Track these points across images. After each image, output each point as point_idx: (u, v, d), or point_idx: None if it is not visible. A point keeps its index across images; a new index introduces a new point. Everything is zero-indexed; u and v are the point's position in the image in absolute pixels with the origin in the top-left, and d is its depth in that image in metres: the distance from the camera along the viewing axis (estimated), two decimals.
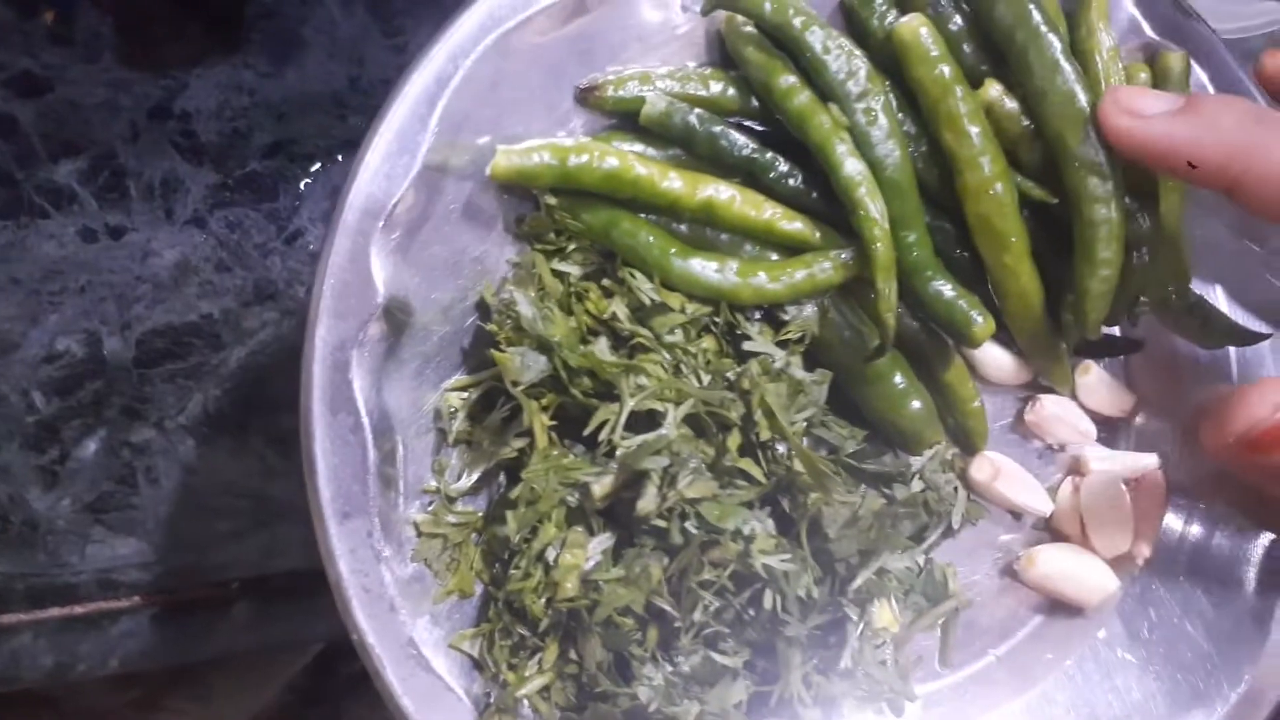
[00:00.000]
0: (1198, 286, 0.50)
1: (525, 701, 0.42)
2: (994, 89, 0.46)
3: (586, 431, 0.41)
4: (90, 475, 0.61)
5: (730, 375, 0.44)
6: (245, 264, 0.64)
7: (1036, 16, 0.45)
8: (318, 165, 0.65)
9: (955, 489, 0.49)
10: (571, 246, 0.46)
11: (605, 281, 0.45)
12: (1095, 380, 0.50)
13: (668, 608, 0.42)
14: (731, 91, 0.47)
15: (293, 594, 0.63)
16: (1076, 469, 0.51)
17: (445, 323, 0.45)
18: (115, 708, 0.73)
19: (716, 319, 0.46)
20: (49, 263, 0.62)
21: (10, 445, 0.61)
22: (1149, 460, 0.51)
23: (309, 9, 0.66)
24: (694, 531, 0.41)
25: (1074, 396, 0.51)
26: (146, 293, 0.63)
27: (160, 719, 0.75)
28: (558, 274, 0.45)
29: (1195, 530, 0.50)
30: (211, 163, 0.64)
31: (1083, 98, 0.44)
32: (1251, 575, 0.48)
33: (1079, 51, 0.48)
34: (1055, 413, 0.50)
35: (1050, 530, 0.51)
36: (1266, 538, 0.48)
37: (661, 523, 0.41)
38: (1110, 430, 0.52)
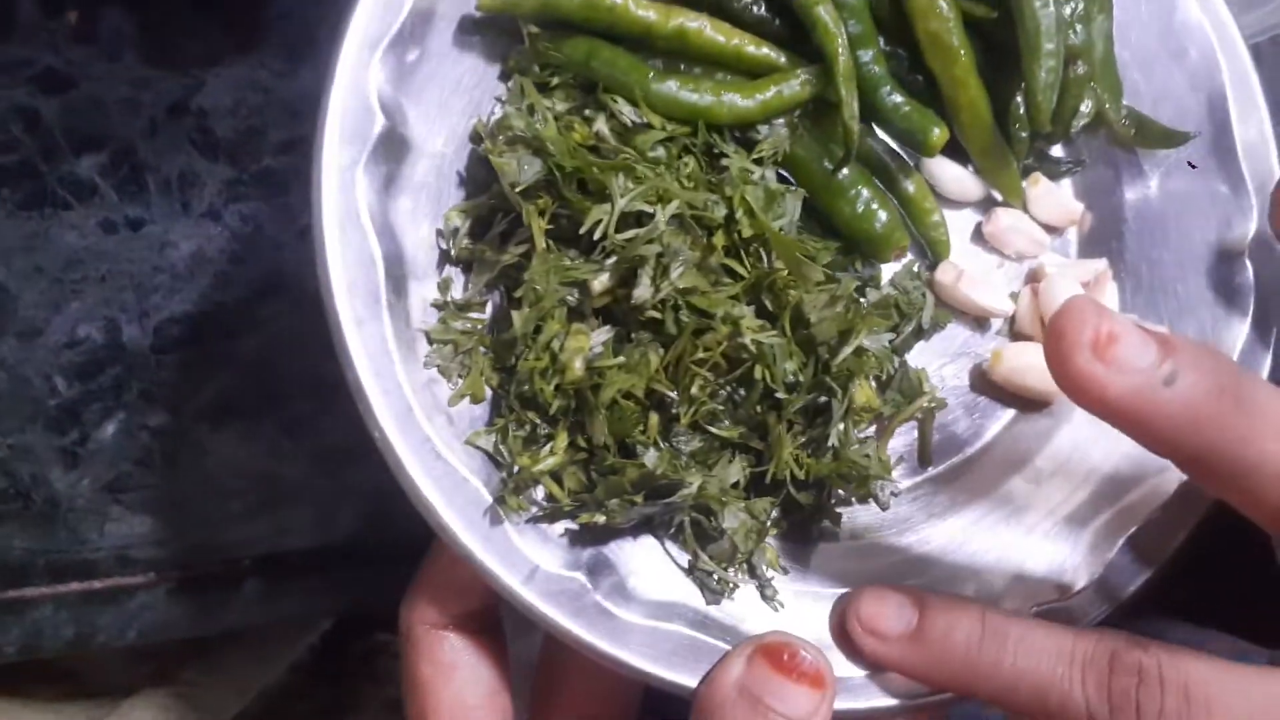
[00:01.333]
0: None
1: (540, 489, 0.45)
2: None
3: (582, 230, 0.44)
4: (109, 456, 0.63)
5: (712, 183, 0.47)
6: (258, 256, 0.65)
7: None
8: None
9: (924, 294, 0.52)
10: (555, 81, 0.49)
11: (588, 112, 0.49)
12: (1043, 191, 0.54)
13: (667, 391, 0.45)
14: None
15: (301, 571, 0.65)
16: (1034, 276, 0.55)
17: (443, 151, 0.48)
18: (132, 681, 0.75)
19: (695, 140, 0.49)
20: (71, 253, 0.64)
21: (33, 427, 0.63)
22: (1099, 265, 0.55)
23: (324, 10, 0.66)
24: (686, 319, 0.44)
25: (1025, 208, 0.55)
26: (164, 283, 0.65)
27: (175, 691, 0.76)
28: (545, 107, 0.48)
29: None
30: (227, 158, 0.66)
31: None
32: None
33: None
34: (1010, 224, 0.54)
35: (1014, 335, 0.55)
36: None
37: (656, 314, 0.45)
38: (1061, 241, 0.56)
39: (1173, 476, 0.50)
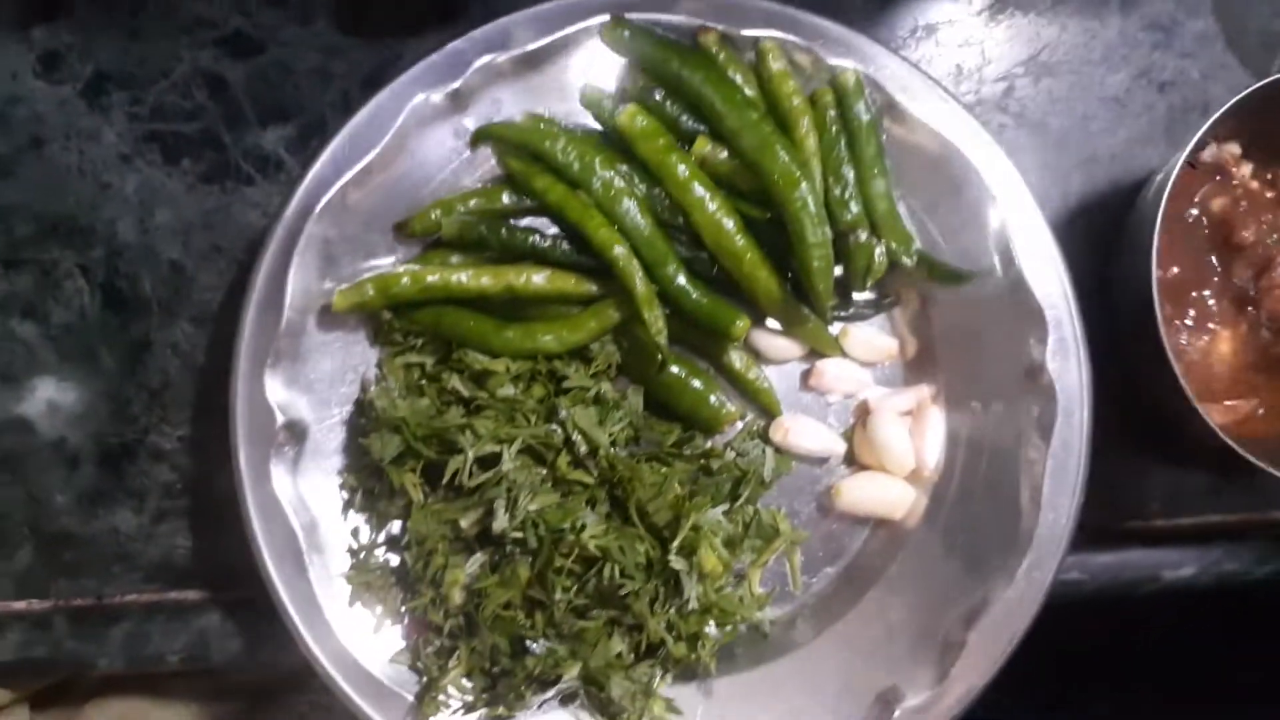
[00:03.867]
0: None
1: (450, 688, 0.56)
2: (705, 146, 0.60)
3: (444, 481, 0.55)
4: None
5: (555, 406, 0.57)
6: None
7: (714, 76, 0.58)
8: None
9: (763, 451, 0.61)
10: (419, 342, 0.60)
11: (449, 363, 0.59)
12: (856, 340, 0.63)
13: (540, 596, 0.55)
14: (511, 198, 0.61)
15: None
16: (863, 411, 0.63)
17: (336, 423, 0.59)
18: (267, 682, 0.74)
19: (540, 368, 0.59)
20: (253, 232, 0.61)
21: (205, 420, 0.61)
22: (922, 391, 0.63)
23: None
24: (542, 534, 0.55)
25: (843, 356, 0.63)
26: None
27: (309, 699, 0.75)
28: (410, 365, 0.59)
29: (969, 435, 0.62)
30: None
31: (766, 127, 0.57)
32: (1019, 477, 0.59)
33: (769, 91, 0.61)
34: (834, 372, 0.63)
35: (854, 464, 0.63)
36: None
37: (518, 534, 0.55)
38: (890, 369, 0.64)
39: (1000, 578, 0.58)
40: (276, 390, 0.57)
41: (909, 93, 0.61)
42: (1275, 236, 0.62)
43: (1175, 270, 0.62)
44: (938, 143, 0.62)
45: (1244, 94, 0.57)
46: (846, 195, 0.60)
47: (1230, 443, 0.56)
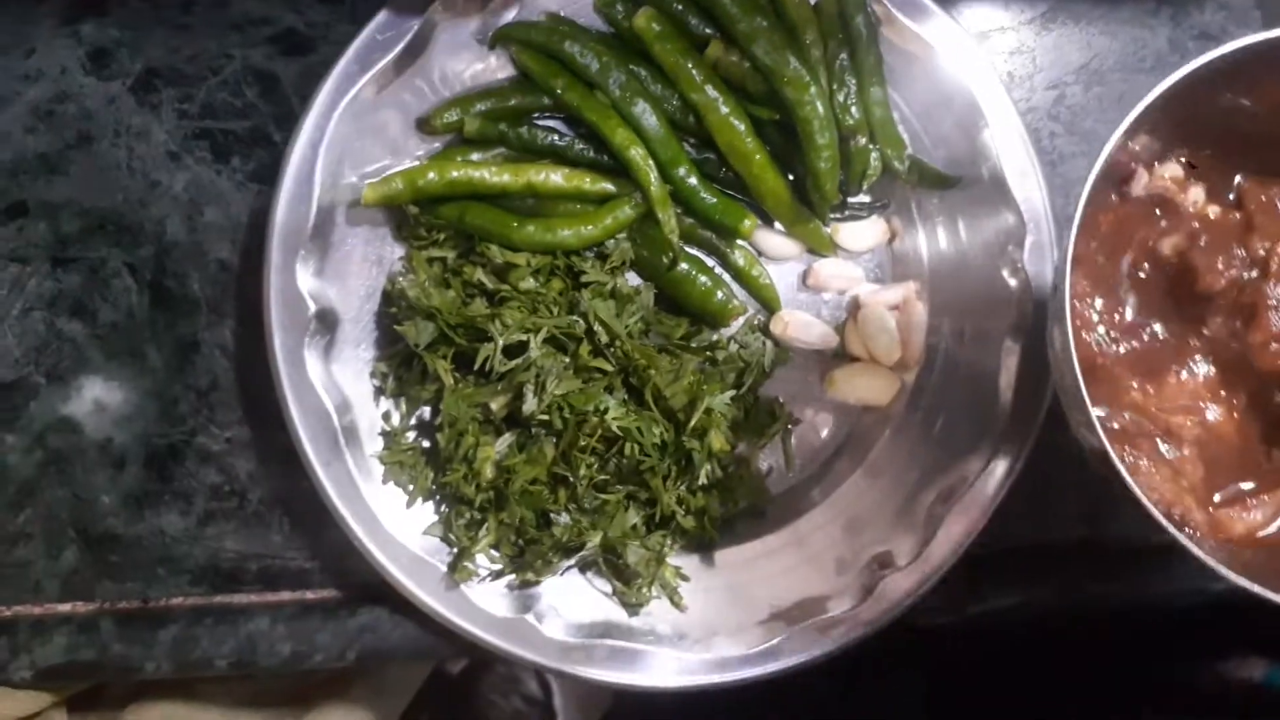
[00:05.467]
0: None
1: (481, 558, 0.60)
2: (717, 50, 0.62)
3: (475, 367, 0.58)
4: None
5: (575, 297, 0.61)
6: None
7: None
8: None
9: (764, 344, 0.66)
10: (442, 237, 0.62)
11: (473, 257, 0.62)
12: (848, 232, 0.67)
13: (564, 472, 0.59)
14: (529, 98, 0.63)
15: None
16: (855, 306, 0.68)
17: (364, 314, 0.62)
18: (306, 689, 0.75)
19: (559, 263, 0.63)
20: None
21: (255, 420, 0.61)
22: (909, 287, 0.68)
23: None
24: (567, 416, 0.59)
25: (836, 254, 0.67)
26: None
27: (346, 708, 0.76)
28: (433, 259, 0.62)
29: (951, 327, 0.67)
30: None
31: (777, 33, 0.60)
32: (997, 367, 0.64)
33: (777, 1, 0.63)
34: (829, 271, 0.67)
35: (846, 356, 0.68)
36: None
37: (545, 416, 0.59)
38: (879, 261, 0.69)
39: (975, 459, 0.64)
40: (307, 280, 0.59)
41: (907, 7, 0.65)
42: (1253, 272, 0.47)
43: (1132, 345, 0.48)
44: (930, 55, 0.65)
45: (1175, 79, 0.43)
46: (848, 101, 0.64)
47: (1233, 578, 0.42)
